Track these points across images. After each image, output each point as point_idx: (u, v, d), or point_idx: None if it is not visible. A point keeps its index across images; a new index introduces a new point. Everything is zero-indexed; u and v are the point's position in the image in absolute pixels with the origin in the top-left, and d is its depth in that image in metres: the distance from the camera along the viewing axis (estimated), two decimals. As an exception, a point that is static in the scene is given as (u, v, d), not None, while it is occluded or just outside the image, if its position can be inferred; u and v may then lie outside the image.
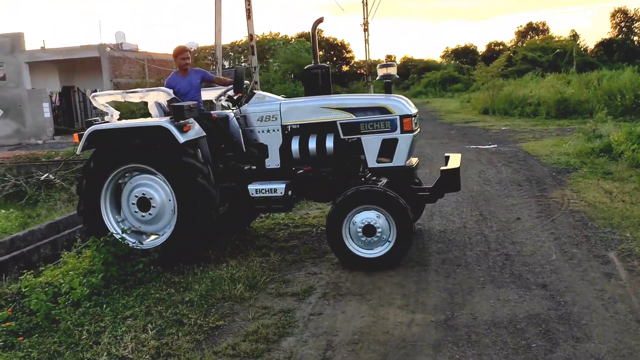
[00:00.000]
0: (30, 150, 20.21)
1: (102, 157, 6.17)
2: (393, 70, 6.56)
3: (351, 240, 5.81)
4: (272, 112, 6.41)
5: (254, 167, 6.54)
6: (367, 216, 5.72)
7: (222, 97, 6.93)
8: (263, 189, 6.23)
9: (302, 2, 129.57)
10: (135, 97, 6.59)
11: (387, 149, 6.14)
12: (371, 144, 6.15)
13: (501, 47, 63.17)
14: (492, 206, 8.27)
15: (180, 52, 6.80)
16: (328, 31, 69.90)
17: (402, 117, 6.06)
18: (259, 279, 5.61)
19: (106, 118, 6.57)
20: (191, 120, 6.16)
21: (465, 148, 14.71)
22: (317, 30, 6.80)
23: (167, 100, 6.37)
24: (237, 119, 6.49)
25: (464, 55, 67.41)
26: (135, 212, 6.22)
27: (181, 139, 5.88)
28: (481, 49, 67.47)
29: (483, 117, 24.17)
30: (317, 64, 6.78)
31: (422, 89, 48.27)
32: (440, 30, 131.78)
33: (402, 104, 6.11)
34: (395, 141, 6.11)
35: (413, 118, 6.13)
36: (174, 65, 6.72)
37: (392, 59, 72.54)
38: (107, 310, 4.97)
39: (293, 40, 32.48)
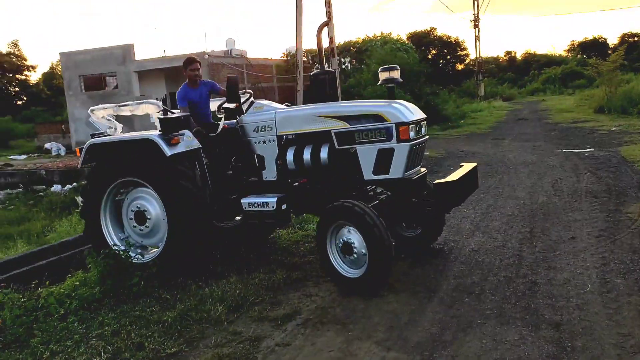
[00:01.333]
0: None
1: (98, 171, 6.21)
2: (396, 74, 5.93)
3: (338, 259, 5.40)
4: (267, 122, 6.09)
5: (255, 179, 6.25)
6: (344, 233, 5.29)
7: (221, 109, 6.70)
8: (255, 203, 5.94)
9: (411, 2, 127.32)
10: (125, 111, 6.58)
11: (384, 159, 5.56)
12: (366, 155, 5.61)
13: (636, 38, 57.46)
14: (549, 222, 7.28)
15: (190, 63, 6.67)
16: (441, 29, 67.75)
17: (397, 124, 5.43)
18: (249, 299, 5.29)
19: (108, 131, 6.59)
20: (184, 132, 6.03)
21: (555, 152, 13.36)
22: (321, 34, 6.37)
23: (157, 113, 6.27)
24: (237, 129, 6.26)
25: (592, 48, 62.08)
26: (134, 226, 6.21)
27: (168, 152, 5.76)
28: (612, 41, 61.81)
29: (596, 117, 22.00)
30: (323, 70, 6.37)
31: (540, 86, 45.24)
32: (568, 23, 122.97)
33: (398, 111, 5.49)
34: (391, 151, 5.50)
35: (411, 125, 5.48)
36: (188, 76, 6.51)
37: (513, 55, 68.87)
38: (79, 328, 4.91)
39: (391, 39, 31.40)
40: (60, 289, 5.76)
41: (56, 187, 19.30)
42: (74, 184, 18.88)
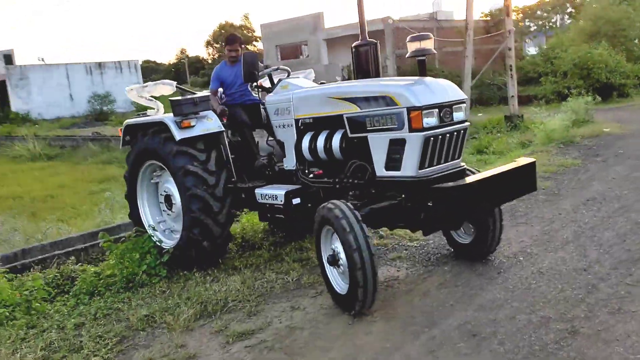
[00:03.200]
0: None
1: (131, 153, 6.10)
2: (428, 44, 4.64)
3: (332, 269, 4.55)
4: (285, 103, 5.36)
5: (277, 168, 5.59)
6: (333, 240, 4.45)
7: (255, 88, 6.04)
8: (267, 195, 5.33)
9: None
10: (145, 92, 6.28)
11: (395, 152, 4.46)
12: (378, 146, 4.57)
13: None
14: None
15: (228, 43, 6.18)
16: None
17: (409, 109, 4.27)
18: (226, 305, 4.76)
19: (149, 112, 6.41)
20: (206, 114, 5.62)
21: None
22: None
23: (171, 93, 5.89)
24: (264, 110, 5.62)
25: None
26: (164, 210, 6.02)
27: (177, 135, 5.40)
28: None
29: None
30: (365, 40, 5.28)
31: None
32: None
33: (412, 92, 4.29)
34: (402, 142, 4.38)
35: (428, 111, 4.28)
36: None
37: None
38: (56, 316, 4.89)
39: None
40: (90, 269, 5.88)
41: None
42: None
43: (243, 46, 6.40)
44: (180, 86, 6.20)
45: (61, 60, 47.60)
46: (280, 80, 5.68)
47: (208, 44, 78.71)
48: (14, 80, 42.82)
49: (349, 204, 4.33)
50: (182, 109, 5.47)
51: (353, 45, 5.55)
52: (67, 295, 5.40)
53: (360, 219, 4.17)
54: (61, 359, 4.12)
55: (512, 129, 15.07)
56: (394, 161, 4.47)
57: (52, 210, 13.37)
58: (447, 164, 4.58)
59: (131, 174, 6.22)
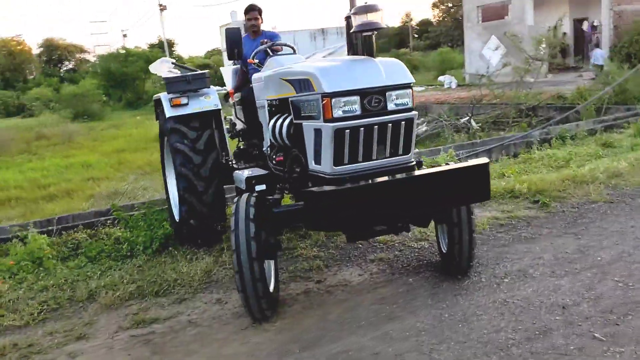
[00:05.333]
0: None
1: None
2: (375, 17, 3.82)
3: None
4: (261, 83, 4.98)
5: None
6: None
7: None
8: (237, 179, 5.09)
9: None
10: (154, 69, 6.21)
11: (318, 144, 3.89)
12: (308, 135, 4.02)
13: None
14: None
15: (247, 11, 5.90)
16: None
17: (323, 95, 3.64)
18: (164, 289, 4.74)
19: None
20: (207, 91, 5.53)
21: None
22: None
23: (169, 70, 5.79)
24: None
25: None
26: None
27: (167, 113, 5.41)
28: None
29: None
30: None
31: None
32: None
33: (327, 73, 3.73)
34: (320, 134, 3.77)
35: (344, 99, 3.63)
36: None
37: None
38: (47, 277, 5.30)
39: None
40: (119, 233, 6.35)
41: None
42: (422, 118, 19.15)
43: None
44: (178, 64, 6.17)
45: (289, 27, 50.47)
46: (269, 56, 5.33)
47: (434, 5, 76.83)
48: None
49: (253, 197, 3.93)
50: (174, 86, 5.48)
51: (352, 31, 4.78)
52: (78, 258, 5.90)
53: (251, 217, 3.76)
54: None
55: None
56: (317, 154, 3.92)
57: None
58: (380, 161, 3.84)
59: (160, 147, 6.49)
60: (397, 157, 3.89)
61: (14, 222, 7.33)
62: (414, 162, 3.99)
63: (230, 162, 5.70)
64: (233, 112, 6.16)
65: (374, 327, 3.74)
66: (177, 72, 6.29)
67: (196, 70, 5.89)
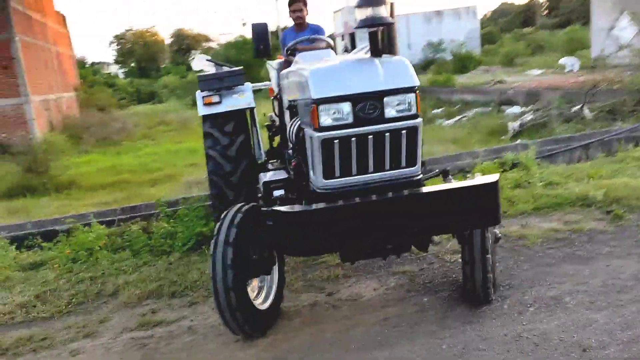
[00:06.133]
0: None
1: None
2: (381, 11, 3.42)
3: None
4: (284, 81, 4.76)
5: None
6: None
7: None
8: (260, 181, 4.95)
9: None
10: (200, 64, 6.09)
11: (312, 155, 3.60)
12: (307, 143, 3.69)
13: None
14: None
15: (290, 3, 5.65)
16: None
17: (312, 101, 3.42)
18: (179, 290, 4.76)
19: None
20: (242, 89, 5.41)
21: None
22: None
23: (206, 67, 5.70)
24: None
25: None
26: None
27: (200, 111, 5.36)
28: None
29: None
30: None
31: None
32: None
33: (314, 78, 3.45)
34: (312, 143, 3.54)
35: (333, 105, 3.36)
36: None
37: None
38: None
39: None
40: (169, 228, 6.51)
41: (513, 109, 18.64)
42: (530, 106, 17.77)
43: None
44: (213, 60, 6.05)
45: (402, 11, 49.59)
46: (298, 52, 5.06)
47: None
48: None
49: (245, 208, 3.74)
50: (207, 84, 5.41)
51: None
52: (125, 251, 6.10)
53: (230, 240, 3.47)
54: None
55: None
56: (312, 165, 3.63)
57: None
58: (378, 174, 3.45)
59: None
60: (400, 170, 3.47)
61: (114, 207, 7.89)
62: (421, 176, 3.56)
63: (265, 161, 5.57)
64: (272, 109, 6.01)
65: (363, 352, 3.45)
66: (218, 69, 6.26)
67: (231, 67, 5.79)
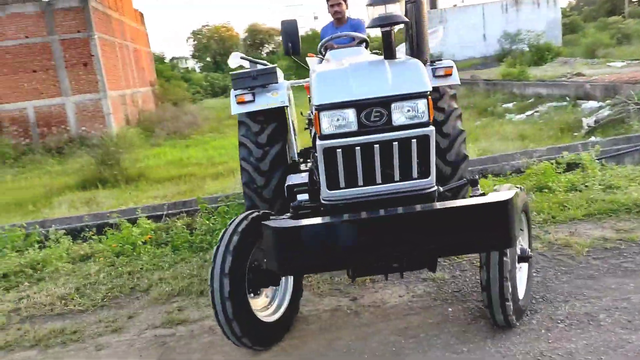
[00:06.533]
0: None
1: None
2: (395, 9, 3.24)
3: None
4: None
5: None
6: None
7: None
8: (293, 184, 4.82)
9: None
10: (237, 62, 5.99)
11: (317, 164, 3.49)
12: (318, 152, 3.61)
13: None
14: None
15: None
16: None
17: (314, 108, 3.31)
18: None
19: None
20: (276, 87, 5.34)
21: None
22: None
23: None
24: None
25: None
26: None
27: (233, 110, 5.34)
28: None
29: None
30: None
31: None
32: None
33: (317, 82, 3.32)
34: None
35: (334, 112, 3.21)
36: None
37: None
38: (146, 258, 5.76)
39: None
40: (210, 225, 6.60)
41: (589, 104, 17.57)
42: (607, 101, 16.69)
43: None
44: (247, 58, 5.97)
45: (478, 1, 48.20)
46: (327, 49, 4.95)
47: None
48: (433, 23, 46.13)
49: (252, 215, 3.63)
50: (240, 83, 5.38)
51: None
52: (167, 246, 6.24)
53: (231, 248, 3.40)
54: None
55: None
56: (319, 173, 3.47)
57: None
58: (387, 185, 3.24)
59: None
60: (411, 182, 3.24)
61: (180, 199, 8.14)
62: (434, 188, 3.32)
63: (298, 160, 5.50)
64: (309, 107, 5.93)
65: (371, 363, 3.32)
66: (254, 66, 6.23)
67: (266, 64, 5.75)
